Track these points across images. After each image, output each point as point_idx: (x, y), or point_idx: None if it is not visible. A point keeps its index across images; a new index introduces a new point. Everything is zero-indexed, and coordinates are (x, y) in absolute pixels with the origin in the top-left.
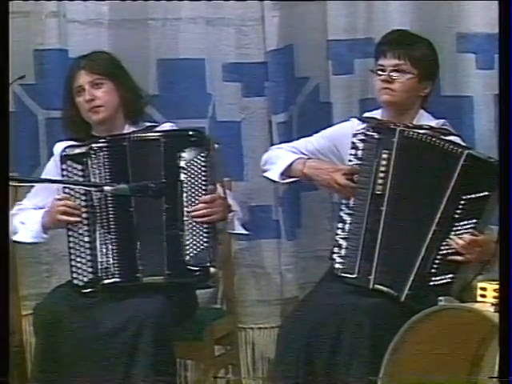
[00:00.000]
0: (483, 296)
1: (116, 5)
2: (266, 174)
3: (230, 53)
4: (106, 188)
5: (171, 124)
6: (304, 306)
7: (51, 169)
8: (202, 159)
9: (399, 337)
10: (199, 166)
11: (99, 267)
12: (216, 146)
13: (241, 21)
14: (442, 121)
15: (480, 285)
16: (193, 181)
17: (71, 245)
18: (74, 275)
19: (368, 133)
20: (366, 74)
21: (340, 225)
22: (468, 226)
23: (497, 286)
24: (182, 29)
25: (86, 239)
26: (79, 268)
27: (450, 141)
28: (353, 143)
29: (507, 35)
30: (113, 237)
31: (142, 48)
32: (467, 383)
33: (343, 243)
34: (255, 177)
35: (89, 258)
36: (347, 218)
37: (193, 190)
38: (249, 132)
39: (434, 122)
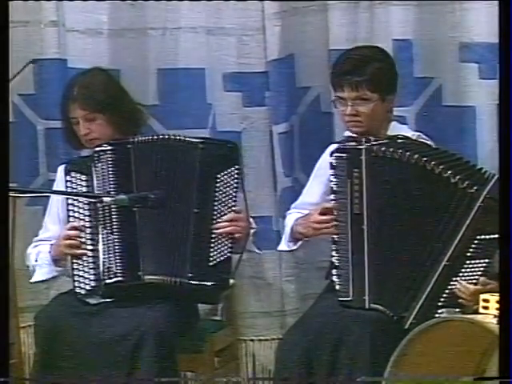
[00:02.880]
0: (486, 308)
1: (115, 14)
2: (278, 248)
3: (231, 62)
4: (106, 199)
5: None
6: (305, 317)
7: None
8: (236, 171)
9: (401, 349)
10: (233, 178)
11: (101, 269)
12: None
13: (241, 30)
14: (417, 133)
15: (482, 297)
16: (225, 190)
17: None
18: (76, 283)
19: (338, 154)
20: None
21: (333, 246)
22: (480, 266)
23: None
24: (182, 38)
25: (89, 247)
26: (81, 276)
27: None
28: (330, 164)
29: (507, 44)
30: (116, 237)
31: (141, 57)
32: None
33: (338, 264)
34: (256, 187)
35: (91, 265)
36: (336, 239)
37: (224, 200)
38: (249, 142)
39: (409, 134)
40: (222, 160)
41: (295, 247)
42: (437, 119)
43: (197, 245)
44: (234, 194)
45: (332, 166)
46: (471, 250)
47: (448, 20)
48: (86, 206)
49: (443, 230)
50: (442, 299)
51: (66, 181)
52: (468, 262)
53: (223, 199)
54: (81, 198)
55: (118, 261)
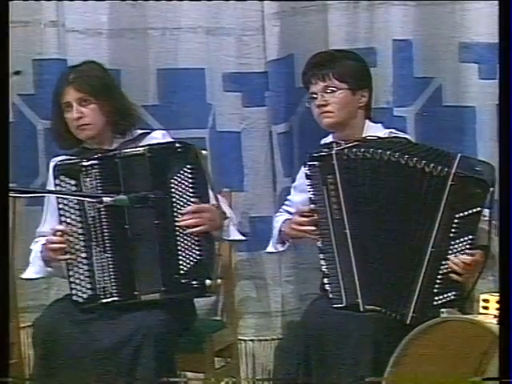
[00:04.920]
0: (486, 308)
1: (115, 14)
2: (267, 250)
3: (230, 62)
4: (106, 199)
5: (163, 132)
6: (302, 318)
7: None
8: (189, 171)
9: (401, 349)
10: (187, 178)
11: (97, 286)
12: (204, 152)
13: (241, 30)
14: (388, 130)
15: (482, 297)
16: (181, 193)
17: (69, 261)
18: (73, 291)
19: (310, 162)
20: None
21: (321, 255)
22: (465, 243)
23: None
24: (182, 38)
25: (83, 255)
26: (78, 284)
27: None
28: (306, 174)
29: (507, 44)
30: (109, 255)
31: (141, 58)
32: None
33: (328, 273)
34: (255, 187)
35: (87, 274)
36: (322, 248)
37: (182, 203)
38: (249, 142)
39: (381, 133)
40: (172, 163)
41: (282, 249)
42: (437, 119)
43: (164, 256)
44: (190, 195)
45: (307, 177)
46: (453, 230)
47: (448, 20)
48: (77, 212)
49: (424, 219)
50: (437, 285)
51: (56, 184)
52: (453, 242)
53: (180, 204)
54: (71, 204)
55: (112, 280)
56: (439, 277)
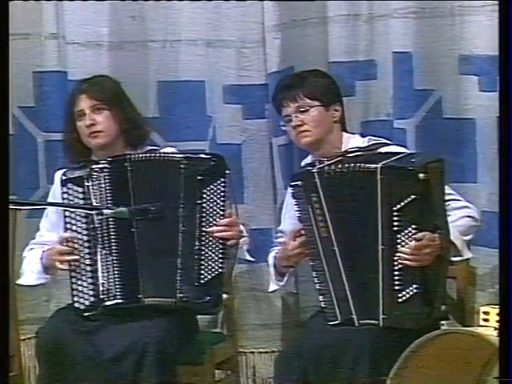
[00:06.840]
0: (486, 320)
1: (116, 27)
2: (269, 290)
3: (231, 75)
4: (106, 211)
5: (172, 148)
6: (302, 332)
7: (52, 198)
8: (222, 185)
9: (401, 361)
10: (219, 192)
11: (101, 289)
12: (227, 172)
13: (241, 42)
14: (367, 138)
15: (483, 309)
16: (211, 205)
17: (72, 267)
18: (75, 298)
19: (293, 183)
20: (367, 96)
21: (314, 273)
22: (410, 234)
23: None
24: (182, 51)
25: (88, 262)
26: (80, 291)
27: (364, 159)
28: (292, 194)
29: (507, 56)
30: (114, 258)
31: (141, 70)
32: None
33: (322, 291)
34: (255, 199)
35: (90, 280)
36: (314, 267)
37: (211, 215)
38: (249, 154)
39: (360, 142)
40: (207, 175)
41: (283, 283)
42: (437, 132)
43: (186, 263)
44: (220, 209)
45: (293, 196)
46: (394, 224)
47: (448, 33)
48: (84, 220)
49: (371, 220)
50: (397, 282)
51: (63, 192)
52: (398, 236)
53: (210, 214)
54: (77, 211)
55: (117, 282)
56: (396, 273)
